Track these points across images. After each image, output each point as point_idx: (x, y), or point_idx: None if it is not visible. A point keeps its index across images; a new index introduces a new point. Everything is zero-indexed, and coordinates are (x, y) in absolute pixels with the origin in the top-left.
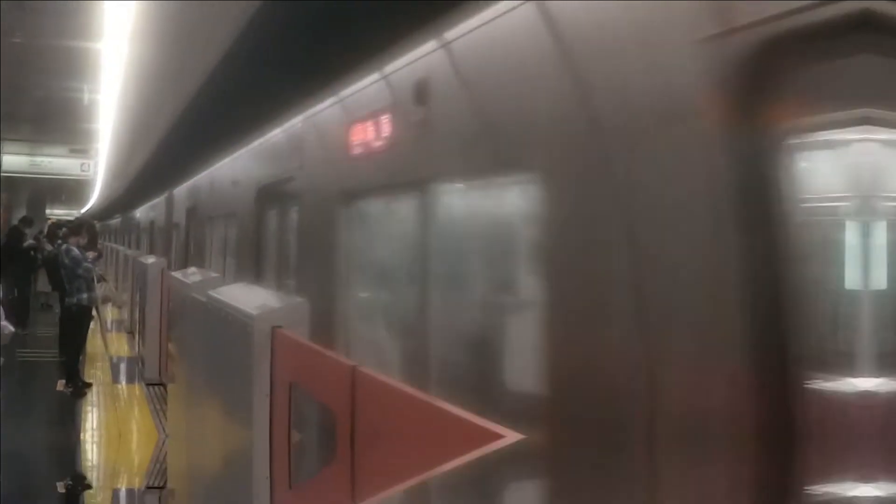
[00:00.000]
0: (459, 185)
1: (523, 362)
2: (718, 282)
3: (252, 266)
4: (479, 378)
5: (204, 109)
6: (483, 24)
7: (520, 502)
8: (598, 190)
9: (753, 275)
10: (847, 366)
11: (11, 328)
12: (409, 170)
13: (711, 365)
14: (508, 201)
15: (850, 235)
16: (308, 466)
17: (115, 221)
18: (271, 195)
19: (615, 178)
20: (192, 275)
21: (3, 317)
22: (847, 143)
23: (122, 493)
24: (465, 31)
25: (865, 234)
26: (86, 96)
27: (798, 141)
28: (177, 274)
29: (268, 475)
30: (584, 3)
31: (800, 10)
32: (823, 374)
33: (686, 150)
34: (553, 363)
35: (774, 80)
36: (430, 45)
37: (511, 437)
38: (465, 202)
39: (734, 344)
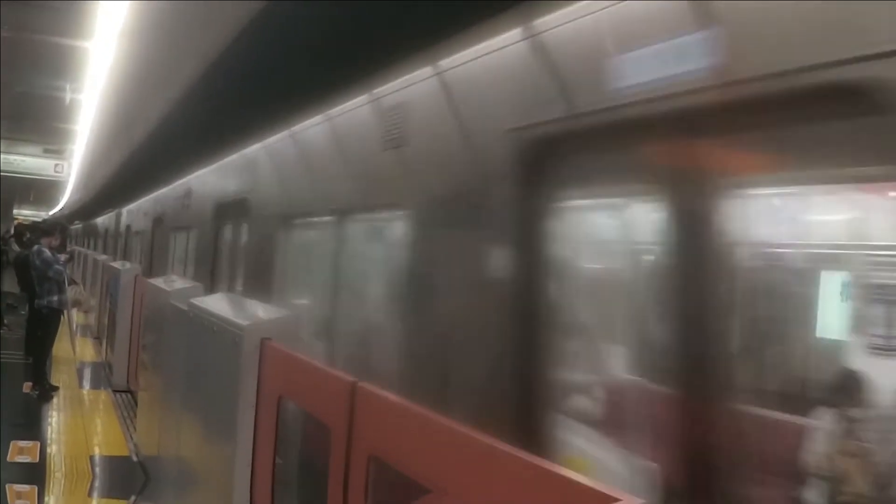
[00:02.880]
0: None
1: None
2: None
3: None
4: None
5: (186, 116)
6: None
7: None
8: None
9: None
10: None
11: None
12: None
13: None
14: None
15: None
16: (294, 484)
17: (85, 225)
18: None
19: None
20: (172, 282)
21: None
22: None
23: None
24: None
25: None
26: (67, 96)
27: None
28: (153, 281)
29: (248, 492)
30: None
31: None
32: None
33: None
34: None
35: None
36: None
37: (521, 453)
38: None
39: None
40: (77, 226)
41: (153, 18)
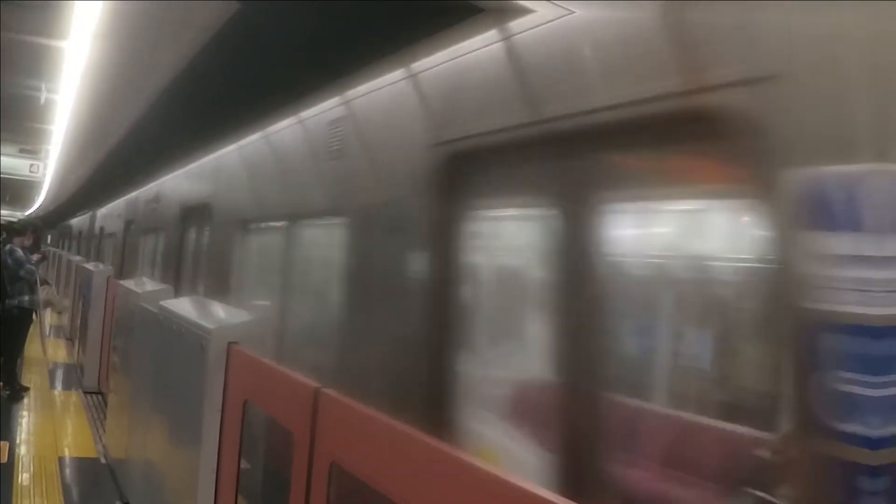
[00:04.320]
0: None
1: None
2: None
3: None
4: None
5: (161, 117)
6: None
7: None
8: None
9: None
10: None
11: None
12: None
13: None
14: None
15: None
16: (258, 489)
17: (60, 225)
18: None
19: None
20: (143, 285)
21: None
22: None
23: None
24: None
25: None
26: (43, 96)
27: None
28: (125, 283)
29: (213, 497)
30: None
31: None
32: None
33: None
34: None
35: None
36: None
37: (482, 462)
38: None
39: None
40: (78, 217)
41: (128, 19)
